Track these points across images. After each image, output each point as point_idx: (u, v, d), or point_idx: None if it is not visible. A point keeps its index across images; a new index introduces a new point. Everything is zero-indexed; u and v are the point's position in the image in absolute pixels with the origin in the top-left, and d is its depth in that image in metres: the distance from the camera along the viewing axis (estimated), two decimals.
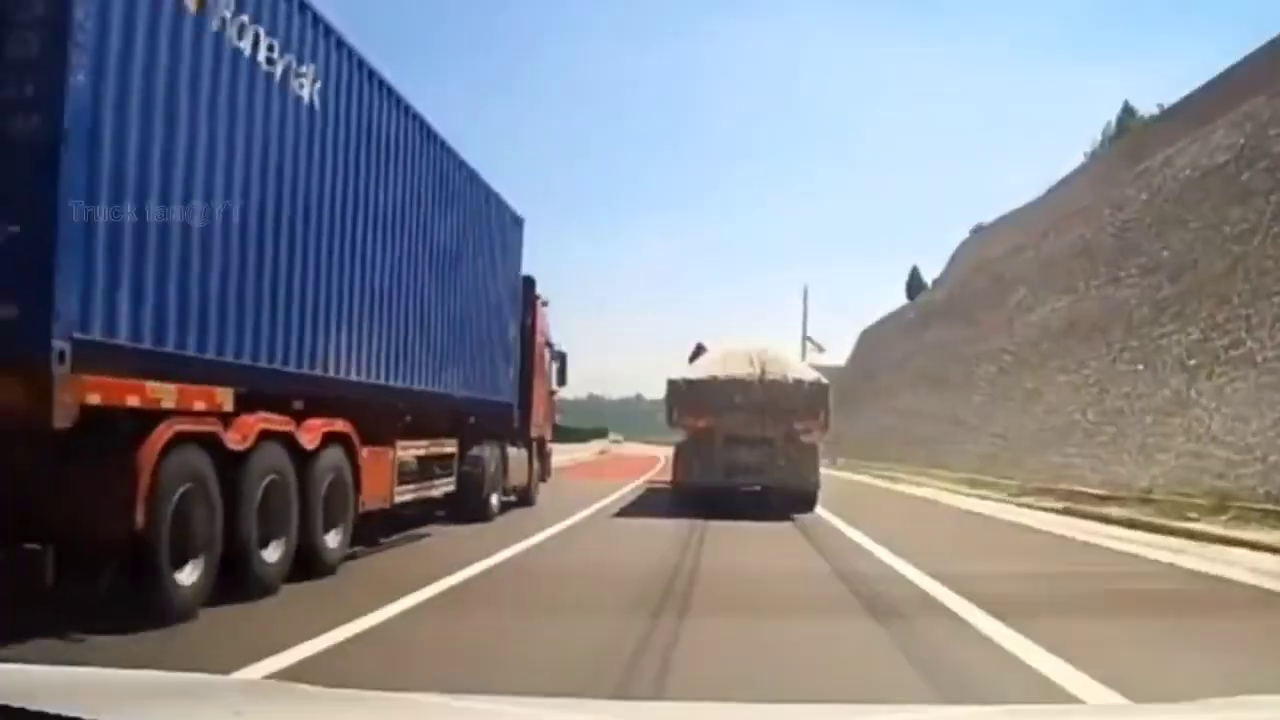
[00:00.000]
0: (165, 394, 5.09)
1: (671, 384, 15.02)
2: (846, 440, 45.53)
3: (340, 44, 7.01)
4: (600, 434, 62.14)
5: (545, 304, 14.34)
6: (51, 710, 1.33)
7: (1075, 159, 40.52)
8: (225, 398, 5.61)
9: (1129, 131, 34.17)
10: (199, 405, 5.36)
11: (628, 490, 18.80)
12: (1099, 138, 39.98)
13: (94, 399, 4.56)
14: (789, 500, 14.18)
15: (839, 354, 58.88)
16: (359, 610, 5.61)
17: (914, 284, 54.71)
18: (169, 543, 5.10)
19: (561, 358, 15.52)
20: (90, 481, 4.68)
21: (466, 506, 10.83)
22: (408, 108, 8.38)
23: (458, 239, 9.91)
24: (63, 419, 4.36)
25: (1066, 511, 15.73)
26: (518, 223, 12.58)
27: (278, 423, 6.20)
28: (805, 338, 47.12)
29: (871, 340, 53.82)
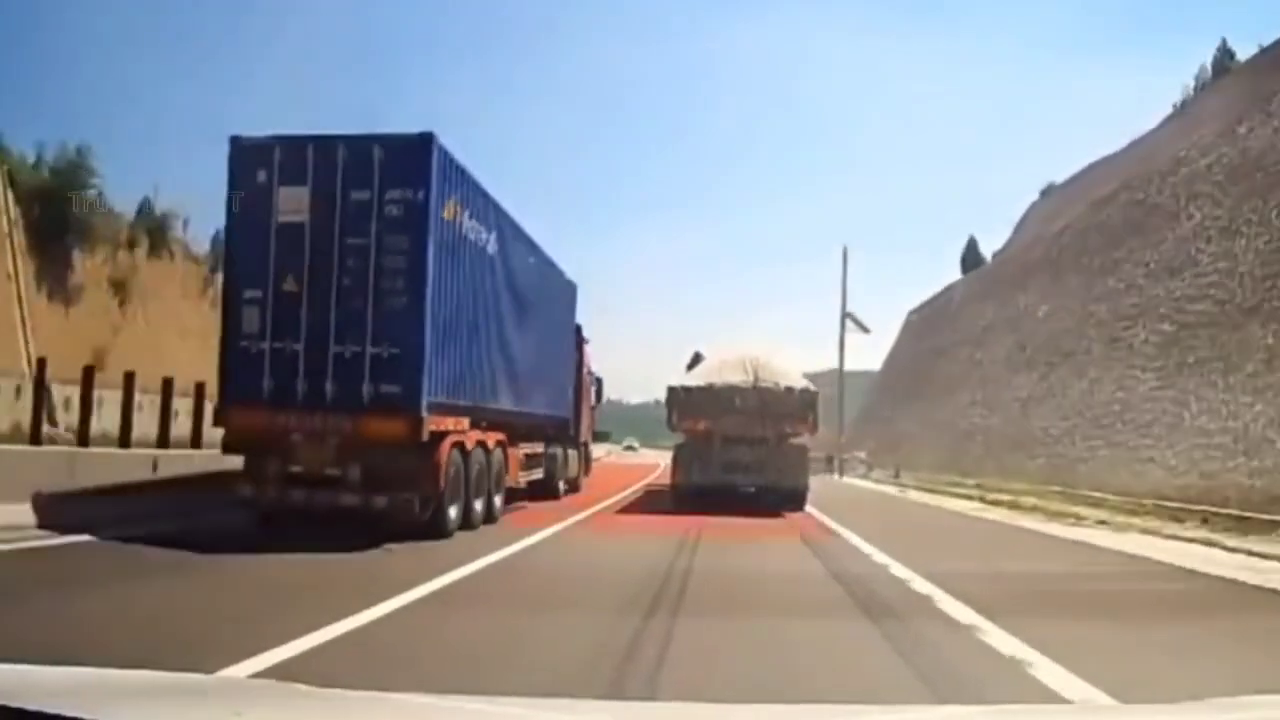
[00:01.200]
0: (449, 423, 10.18)
1: (671, 390, 16.63)
2: (906, 448, 35.55)
3: (503, 213, 12.08)
4: (602, 438, 63.72)
5: (587, 342, 19.41)
6: (52, 710, 1.38)
7: (1148, 119, 37.25)
8: (465, 423, 10.70)
9: None
10: (458, 428, 10.45)
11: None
12: (1191, 83, 37.74)
13: (432, 428, 9.63)
14: (780, 498, 15.65)
15: (884, 337, 52.32)
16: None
17: (971, 258, 47.19)
18: (449, 497, 10.19)
19: (598, 382, 20.62)
20: (427, 466, 9.75)
21: (546, 489, 15.88)
22: (527, 238, 13.47)
23: (548, 314, 15.03)
24: (424, 438, 9.44)
25: None
26: (573, 287, 17.66)
27: (481, 434, 11.28)
28: (845, 315, 38.01)
29: (929, 320, 43.70)
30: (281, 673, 4.14)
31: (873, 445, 39.25)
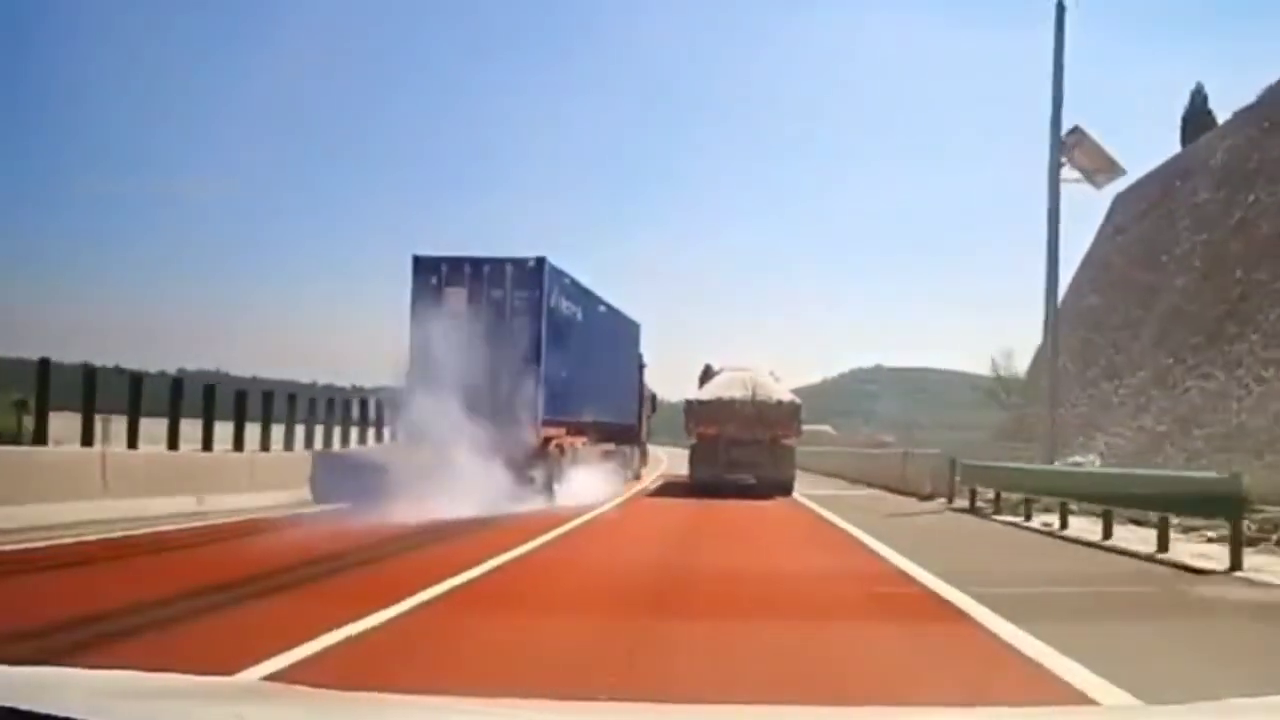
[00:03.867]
0: (555, 431, 16.45)
1: (688, 403, 21.46)
2: (1151, 435, 21.20)
3: (586, 292, 18.29)
4: None
5: (645, 366, 25.58)
6: (52, 710, 1.40)
7: None
8: (563, 431, 16.93)
9: None
10: (559, 434, 16.70)
11: None
12: None
13: (545, 435, 15.91)
14: (772, 487, 19.35)
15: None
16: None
17: (1195, 119, 30.97)
18: (555, 477, 16.44)
19: (653, 397, 26.81)
20: (547, 459, 16.00)
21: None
22: (601, 301, 19.66)
23: (617, 350, 21.30)
24: (540, 440, 15.74)
25: None
26: (638, 326, 23.82)
27: (573, 438, 17.50)
28: (1061, 139, 17.81)
29: (1207, 183, 24.22)
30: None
31: (1107, 443, 22.69)
